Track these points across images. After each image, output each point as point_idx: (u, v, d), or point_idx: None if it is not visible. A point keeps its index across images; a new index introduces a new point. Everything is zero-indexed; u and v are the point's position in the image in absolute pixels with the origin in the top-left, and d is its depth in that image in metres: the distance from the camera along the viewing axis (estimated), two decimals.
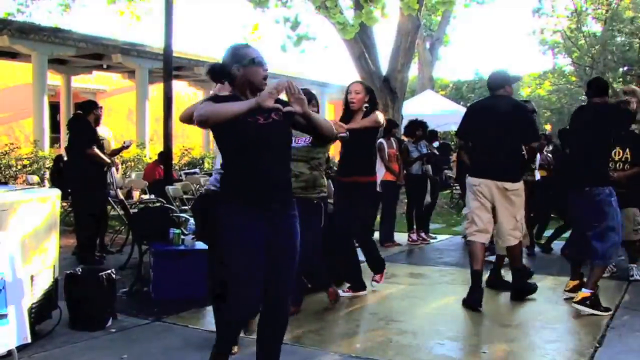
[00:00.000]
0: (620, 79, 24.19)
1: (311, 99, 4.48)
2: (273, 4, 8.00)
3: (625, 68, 23.90)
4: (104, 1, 15.31)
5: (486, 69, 42.73)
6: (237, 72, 3.06)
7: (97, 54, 17.32)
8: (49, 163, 13.53)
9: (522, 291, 5.71)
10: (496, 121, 5.40)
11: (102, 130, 7.88)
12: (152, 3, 10.60)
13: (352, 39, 11.36)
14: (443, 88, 29.27)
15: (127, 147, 8.55)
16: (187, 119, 3.64)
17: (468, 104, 26.45)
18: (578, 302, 5.11)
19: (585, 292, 5.11)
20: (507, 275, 6.01)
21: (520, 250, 5.76)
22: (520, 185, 5.51)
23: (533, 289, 5.75)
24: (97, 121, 7.56)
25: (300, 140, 4.66)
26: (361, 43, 13.30)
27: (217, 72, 3.17)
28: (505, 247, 5.63)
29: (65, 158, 8.25)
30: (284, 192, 3.11)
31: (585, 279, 5.37)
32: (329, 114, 26.28)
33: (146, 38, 16.33)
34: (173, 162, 12.07)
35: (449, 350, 4.27)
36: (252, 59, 3.06)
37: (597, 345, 4.32)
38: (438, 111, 16.81)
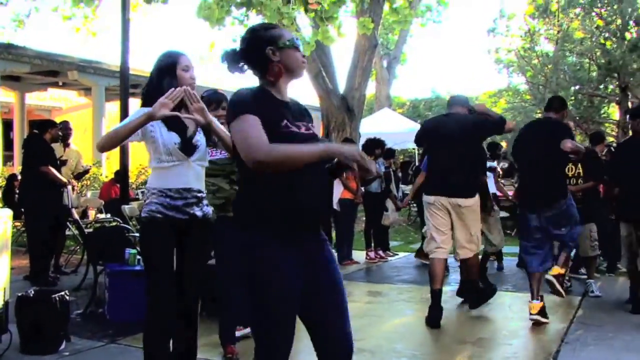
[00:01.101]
0: (573, 97, 24.80)
1: (221, 101, 4.18)
2: (229, 22, 8.03)
3: (577, 87, 24.50)
4: (59, 17, 15.12)
5: (442, 87, 43.51)
6: (272, 57, 2.49)
7: (52, 71, 17.08)
8: (0, 182, 13.23)
9: (478, 301, 5.90)
10: (449, 138, 5.49)
11: (71, 152, 7.85)
12: (109, 20, 10.50)
13: (309, 57, 11.44)
14: (400, 106, 29.62)
15: (88, 171, 8.50)
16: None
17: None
18: (554, 276, 5.45)
19: (559, 269, 5.50)
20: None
21: (476, 263, 5.90)
22: (474, 201, 5.61)
23: (491, 291, 6.04)
24: (55, 140, 7.46)
25: (215, 152, 4.16)
26: (319, 61, 13.40)
27: (237, 58, 2.56)
28: (461, 259, 5.77)
29: (19, 177, 8.10)
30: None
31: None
32: None
33: (103, 54, 16.17)
34: (130, 180, 11.92)
35: None
36: (291, 39, 2.53)
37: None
38: (396, 129, 17.00)
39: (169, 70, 3.40)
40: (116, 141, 3.22)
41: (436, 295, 5.41)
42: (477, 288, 6.00)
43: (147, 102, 3.36)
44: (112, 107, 18.04)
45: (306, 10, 7.68)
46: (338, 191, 8.95)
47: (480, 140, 5.95)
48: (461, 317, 5.83)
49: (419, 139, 5.98)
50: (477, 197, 5.68)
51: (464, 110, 5.73)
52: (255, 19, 8.15)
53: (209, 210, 3.53)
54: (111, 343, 4.71)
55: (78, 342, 4.67)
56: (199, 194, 3.45)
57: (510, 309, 6.09)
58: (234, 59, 2.54)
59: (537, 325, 5.35)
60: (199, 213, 3.42)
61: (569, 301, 6.26)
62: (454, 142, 5.46)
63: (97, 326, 5.19)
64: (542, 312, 5.38)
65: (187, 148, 3.37)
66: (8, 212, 4.53)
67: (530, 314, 5.40)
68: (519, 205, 6.12)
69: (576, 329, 5.24)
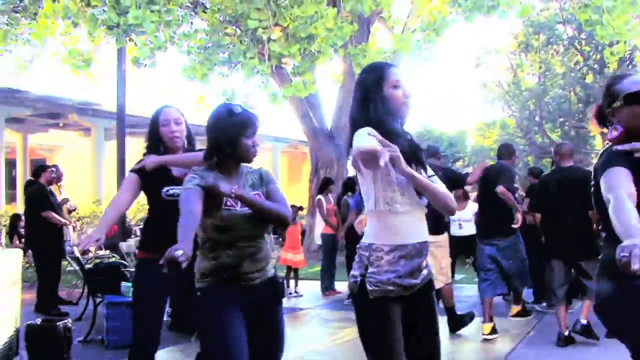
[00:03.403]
0: (559, 129, 25.59)
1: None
2: (215, 77, 8.82)
3: (562, 119, 25.27)
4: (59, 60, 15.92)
5: (434, 122, 44.43)
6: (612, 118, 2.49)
7: (53, 113, 17.88)
8: (5, 221, 13.91)
9: (457, 326, 6.57)
10: None
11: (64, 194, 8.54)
12: (107, 63, 11.24)
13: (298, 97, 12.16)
14: None
15: (74, 209, 9.22)
16: None
17: None
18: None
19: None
20: None
21: (449, 292, 6.65)
22: (441, 238, 6.49)
23: (466, 319, 6.62)
24: (52, 182, 8.17)
25: None
26: (305, 102, 14.10)
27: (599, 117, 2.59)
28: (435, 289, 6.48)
29: (23, 218, 8.81)
30: None
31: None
32: (281, 165, 27.04)
33: (102, 96, 16.84)
34: (128, 217, 12.63)
35: None
36: (627, 95, 2.42)
37: None
38: None
39: (153, 124, 3.71)
40: None
41: None
42: (455, 314, 6.66)
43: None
44: (112, 146, 18.80)
45: (280, 67, 8.49)
46: (320, 227, 9.68)
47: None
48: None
49: None
50: (444, 235, 6.59)
51: (436, 161, 6.58)
52: (236, 75, 8.97)
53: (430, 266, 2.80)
54: None
55: None
56: (428, 249, 2.71)
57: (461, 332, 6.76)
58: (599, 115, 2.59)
59: (489, 343, 6.09)
60: (425, 272, 2.68)
61: (526, 323, 6.95)
62: None
63: (97, 351, 5.85)
64: (493, 331, 6.17)
65: None
66: (19, 252, 5.24)
67: (483, 334, 6.11)
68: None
69: (521, 347, 5.92)
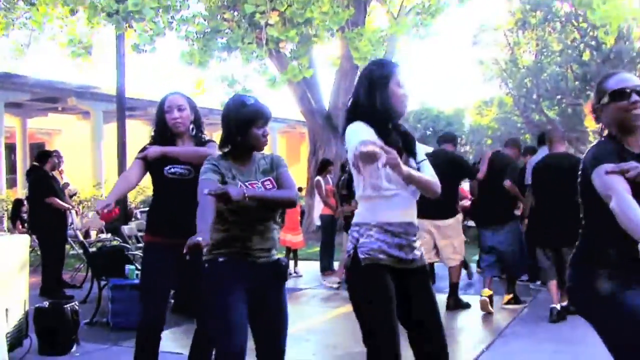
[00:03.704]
0: (556, 107, 25.68)
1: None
2: (214, 63, 8.92)
3: (559, 97, 25.35)
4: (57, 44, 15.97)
5: (432, 99, 44.47)
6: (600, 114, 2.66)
7: (52, 97, 17.94)
8: (7, 206, 14.05)
9: (455, 305, 6.85)
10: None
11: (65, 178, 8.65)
12: (105, 44, 11.30)
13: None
14: None
15: (74, 194, 9.35)
16: None
17: (416, 134, 27.75)
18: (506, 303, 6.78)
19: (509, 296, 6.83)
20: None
21: (459, 269, 7.04)
22: (452, 221, 6.86)
23: (465, 305, 6.91)
24: (55, 168, 8.29)
25: None
26: (303, 83, 14.19)
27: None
28: (449, 266, 6.94)
29: (26, 203, 8.94)
30: None
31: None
32: (279, 146, 27.14)
33: (101, 79, 16.90)
34: (129, 200, 12.77)
35: None
36: (612, 92, 2.58)
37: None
38: None
39: (159, 111, 3.87)
40: None
41: None
42: (456, 292, 6.98)
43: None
44: (111, 129, 18.88)
45: (278, 51, 8.60)
46: (319, 208, 9.82)
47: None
48: None
49: None
50: (456, 217, 6.96)
51: (452, 147, 7.18)
52: (234, 60, 9.07)
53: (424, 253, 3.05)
54: (114, 345, 5.53)
55: (86, 346, 5.48)
56: (417, 232, 2.98)
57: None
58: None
59: (484, 320, 6.37)
60: (418, 254, 2.94)
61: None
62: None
63: (102, 332, 6.01)
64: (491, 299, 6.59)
65: None
66: (26, 238, 5.38)
67: (481, 295, 6.61)
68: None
69: (515, 324, 6.11)
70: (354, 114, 2.89)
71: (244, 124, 3.04)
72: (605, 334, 2.58)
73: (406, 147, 2.91)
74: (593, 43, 22.68)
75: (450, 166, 6.66)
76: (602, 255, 2.54)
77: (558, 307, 6.02)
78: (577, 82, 23.82)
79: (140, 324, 3.82)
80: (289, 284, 8.90)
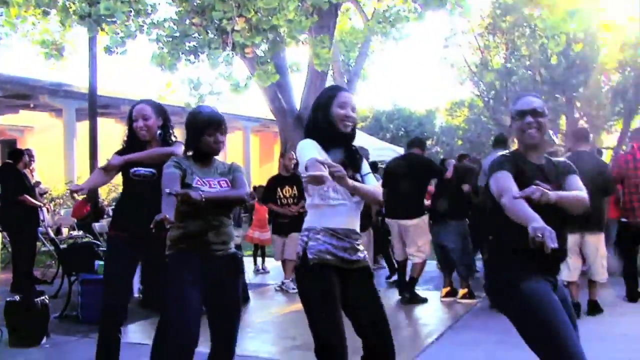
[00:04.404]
0: None
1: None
2: (182, 65, 9.13)
3: (547, 111, 25.82)
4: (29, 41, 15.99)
5: (404, 99, 44.90)
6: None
7: (24, 94, 17.91)
8: None
9: (410, 299, 7.25)
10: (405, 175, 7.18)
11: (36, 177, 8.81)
12: (78, 46, 11.40)
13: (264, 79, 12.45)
14: (363, 120, 30.76)
15: (45, 192, 9.51)
16: None
17: (387, 134, 28.15)
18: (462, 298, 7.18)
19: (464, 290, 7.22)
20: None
21: (421, 267, 7.44)
22: (417, 221, 7.29)
23: (421, 300, 7.30)
24: (27, 166, 8.45)
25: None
26: (274, 85, 14.37)
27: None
28: (412, 262, 7.38)
29: None
30: None
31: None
32: (253, 144, 27.31)
33: (73, 76, 16.93)
34: (101, 197, 12.91)
35: None
36: (516, 111, 3.05)
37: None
38: (355, 144, 18.08)
39: (129, 119, 4.14)
40: None
41: None
42: (414, 285, 7.42)
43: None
44: (84, 127, 18.84)
45: (244, 56, 8.86)
46: None
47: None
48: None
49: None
50: (422, 217, 7.37)
51: (420, 152, 7.58)
52: (203, 63, 9.30)
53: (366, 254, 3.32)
54: (84, 337, 5.75)
55: (56, 338, 5.71)
56: (359, 238, 3.26)
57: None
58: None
59: (439, 312, 6.90)
60: (361, 255, 3.23)
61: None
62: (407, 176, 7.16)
63: (72, 325, 6.22)
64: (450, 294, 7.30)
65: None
66: None
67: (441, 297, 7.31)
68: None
69: (469, 316, 6.46)
70: (307, 130, 3.25)
71: (196, 132, 3.41)
72: (514, 323, 2.93)
73: (351, 162, 3.19)
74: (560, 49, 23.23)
75: (420, 169, 7.26)
76: (505, 248, 2.94)
77: None
78: (544, 86, 24.37)
79: (102, 312, 4.08)
80: (257, 279, 9.25)
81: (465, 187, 7.23)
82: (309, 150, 2.98)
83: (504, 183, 2.83)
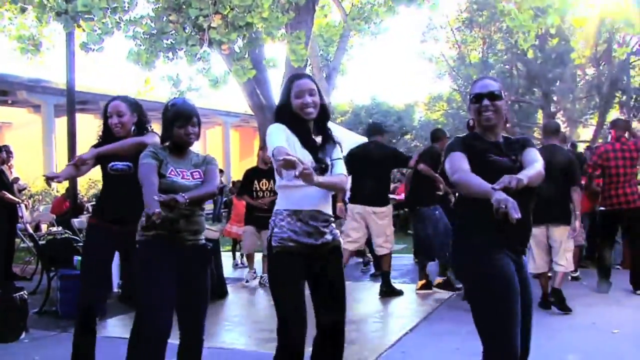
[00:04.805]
0: None
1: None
2: (160, 62, 9.17)
3: (506, 94, 26.09)
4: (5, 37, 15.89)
5: (383, 94, 45.06)
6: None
7: (1, 90, 17.83)
8: None
9: (387, 292, 7.34)
10: (368, 162, 7.14)
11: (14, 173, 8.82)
12: (55, 42, 11.37)
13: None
14: (342, 114, 30.88)
15: (24, 189, 9.53)
16: None
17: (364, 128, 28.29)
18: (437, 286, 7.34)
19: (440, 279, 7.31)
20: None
21: (389, 258, 7.44)
22: (385, 209, 7.26)
23: (398, 292, 7.38)
24: (4, 162, 8.47)
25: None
26: (253, 80, 14.41)
27: None
28: (379, 255, 7.41)
29: None
30: None
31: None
32: (233, 139, 27.34)
33: (51, 72, 16.76)
34: (80, 194, 12.92)
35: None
36: (473, 94, 3.13)
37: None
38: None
39: (104, 115, 4.22)
40: None
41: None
42: (388, 279, 7.47)
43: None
44: (63, 123, 18.78)
45: (221, 52, 8.94)
46: None
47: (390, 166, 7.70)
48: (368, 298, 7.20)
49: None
50: (388, 206, 7.36)
51: (381, 138, 7.48)
52: (180, 60, 9.35)
53: (338, 234, 3.46)
54: (63, 332, 5.82)
55: (35, 333, 5.79)
56: (329, 219, 3.35)
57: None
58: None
59: (415, 304, 7.00)
60: (329, 237, 3.34)
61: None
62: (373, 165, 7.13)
63: (51, 320, 6.29)
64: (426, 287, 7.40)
65: (322, 168, 3.27)
66: None
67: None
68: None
69: (442, 308, 6.62)
70: (276, 115, 3.38)
71: (168, 124, 3.56)
72: (469, 300, 3.07)
73: (323, 146, 3.35)
74: (537, 42, 23.46)
75: (383, 157, 7.18)
76: (471, 227, 3.04)
77: None
78: (521, 80, 24.64)
79: (79, 303, 4.17)
80: (235, 274, 9.33)
81: (421, 167, 7.13)
82: (276, 136, 3.12)
83: (456, 162, 2.95)
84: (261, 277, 8.30)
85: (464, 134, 3.18)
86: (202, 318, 3.65)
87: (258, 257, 8.70)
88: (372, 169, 7.09)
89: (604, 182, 7.41)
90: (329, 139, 3.40)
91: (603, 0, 9.94)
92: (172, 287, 3.45)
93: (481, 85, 3.13)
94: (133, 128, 4.22)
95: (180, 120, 3.53)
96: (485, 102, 3.05)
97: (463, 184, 2.87)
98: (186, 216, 3.50)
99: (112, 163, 4.09)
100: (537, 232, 6.24)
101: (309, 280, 3.32)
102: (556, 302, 6.35)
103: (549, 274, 6.57)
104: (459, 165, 2.94)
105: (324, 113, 3.37)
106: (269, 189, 7.87)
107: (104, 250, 4.14)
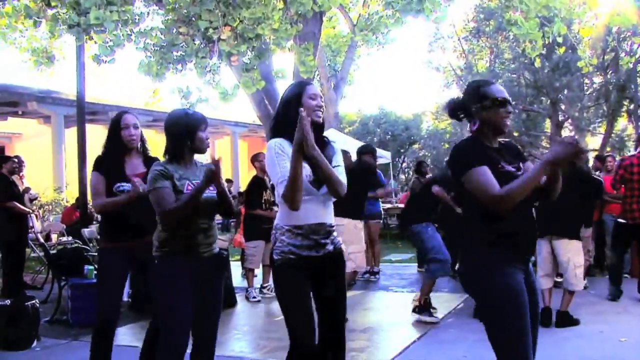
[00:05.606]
0: None
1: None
2: (169, 74, 9.27)
3: (513, 102, 26.09)
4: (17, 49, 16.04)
5: (390, 103, 45.11)
6: (477, 114, 3.05)
7: (12, 101, 17.97)
8: None
9: None
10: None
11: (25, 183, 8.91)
12: (66, 53, 11.53)
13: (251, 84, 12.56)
14: (350, 124, 30.91)
15: (35, 199, 9.61)
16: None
17: (375, 139, 28.31)
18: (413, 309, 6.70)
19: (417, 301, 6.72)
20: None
21: (351, 276, 7.52)
22: (346, 221, 7.06)
23: None
24: (14, 172, 8.55)
25: None
26: (261, 91, 14.48)
27: (454, 110, 3.17)
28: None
29: None
30: None
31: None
32: (241, 149, 27.43)
33: (62, 83, 16.99)
34: (89, 204, 12.98)
35: None
36: (495, 99, 3.01)
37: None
38: (342, 149, 18.27)
39: (114, 126, 4.30)
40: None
41: None
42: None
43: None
44: (73, 134, 18.89)
45: (230, 64, 9.04)
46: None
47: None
48: (376, 307, 7.17)
49: None
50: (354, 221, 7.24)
51: (370, 158, 7.63)
52: (190, 72, 9.47)
53: (340, 242, 3.45)
54: (74, 340, 5.90)
55: (47, 341, 5.87)
56: (331, 229, 3.35)
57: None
58: (452, 110, 3.18)
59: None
60: (330, 247, 3.33)
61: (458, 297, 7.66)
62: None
63: (62, 329, 6.38)
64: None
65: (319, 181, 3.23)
66: None
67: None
68: None
69: (448, 317, 6.66)
70: (274, 129, 3.33)
71: (191, 129, 3.54)
72: (481, 313, 3.07)
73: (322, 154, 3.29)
74: (544, 52, 23.48)
75: (359, 176, 7.08)
76: (479, 239, 3.01)
77: None
78: (529, 89, 24.62)
79: (97, 318, 4.23)
80: (244, 283, 9.36)
81: (435, 189, 6.95)
82: (279, 161, 3.12)
83: (490, 178, 2.86)
84: (262, 286, 8.33)
85: (470, 142, 3.05)
86: (214, 328, 3.69)
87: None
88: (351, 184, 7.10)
89: (626, 194, 7.37)
90: (326, 145, 3.38)
91: (609, 9, 9.98)
92: (189, 304, 3.48)
93: (499, 90, 3.04)
94: (139, 145, 4.35)
95: (203, 124, 3.58)
96: (510, 108, 3.02)
97: (510, 196, 2.79)
98: (204, 230, 3.56)
99: (118, 184, 4.16)
100: (542, 247, 6.23)
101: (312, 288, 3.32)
102: (561, 325, 6.10)
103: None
104: (492, 181, 2.85)
105: (324, 122, 3.40)
106: (274, 200, 7.89)
107: (119, 272, 4.25)
